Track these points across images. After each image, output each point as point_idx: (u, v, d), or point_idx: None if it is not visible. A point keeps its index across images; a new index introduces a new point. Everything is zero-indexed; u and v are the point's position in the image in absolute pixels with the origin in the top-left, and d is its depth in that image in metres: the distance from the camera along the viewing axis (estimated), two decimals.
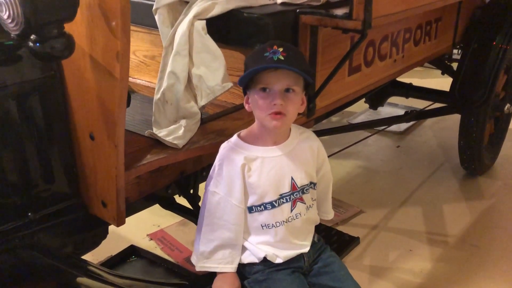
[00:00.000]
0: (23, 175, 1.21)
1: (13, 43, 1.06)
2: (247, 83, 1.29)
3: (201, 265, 1.36)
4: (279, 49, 1.24)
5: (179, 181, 1.61)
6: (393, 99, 3.51)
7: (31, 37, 0.95)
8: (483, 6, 2.89)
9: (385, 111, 3.83)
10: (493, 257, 2.38)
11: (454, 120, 3.02)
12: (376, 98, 3.26)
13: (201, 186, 1.60)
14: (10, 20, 0.91)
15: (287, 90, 1.25)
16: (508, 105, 3.12)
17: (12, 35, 0.95)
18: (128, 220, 1.39)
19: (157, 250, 2.40)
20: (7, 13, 0.90)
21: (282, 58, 1.22)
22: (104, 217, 1.32)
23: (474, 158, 3.03)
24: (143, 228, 2.54)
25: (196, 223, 1.45)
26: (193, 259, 1.39)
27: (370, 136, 3.46)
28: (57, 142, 1.25)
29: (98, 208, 1.31)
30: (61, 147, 1.26)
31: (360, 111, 4.07)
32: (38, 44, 0.96)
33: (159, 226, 2.61)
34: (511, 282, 2.23)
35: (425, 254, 2.41)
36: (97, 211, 1.33)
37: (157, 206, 1.79)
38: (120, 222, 1.29)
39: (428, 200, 2.89)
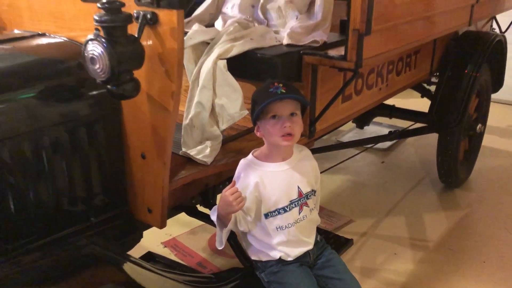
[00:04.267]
0: (87, 188, 1.51)
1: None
2: (258, 116, 1.59)
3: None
4: (279, 85, 1.56)
5: (203, 192, 1.91)
6: (377, 119, 3.84)
7: (110, 81, 1.26)
8: (456, 38, 3.24)
9: (371, 129, 4.15)
10: (467, 259, 2.70)
11: (433, 138, 3.33)
12: (362, 118, 3.60)
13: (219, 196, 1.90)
14: (99, 70, 1.23)
15: (292, 114, 1.58)
16: (480, 125, 3.48)
17: (98, 80, 1.26)
18: None
19: (172, 256, 2.68)
20: (98, 65, 1.22)
21: (284, 91, 1.54)
22: (149, 221, 1.62)
23: (451, 172, 3.36)
24: (157, 237, 2.81)
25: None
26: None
27: (358, 153, 3.80)
28: (113, 161, 1.56)
29: (144, 214, 1.61)
30: (115, 164, 1.57)
31: (348, 129, 4.41)
32: (115, 87, 1.27)
33: (171, 235, 2.89)
34: (482, 280, 2.55)
35: (408, 257, 2.72)
36: (142, 217, 1.62)
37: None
38: (162, 225, 1.59)
39: (410, 210, 3.21)
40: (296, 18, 2.17)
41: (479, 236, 2.94)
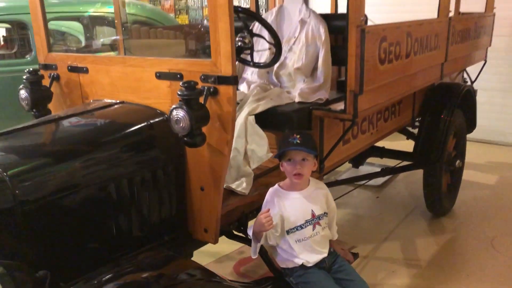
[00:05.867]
0: (162, 213, 2.04)
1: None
2: (280, 156, 2.16)
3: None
4: (297, 136, 2.11)
5: (239, 219, 2.43)
6: (370, 159, 4.43)
7: (188, 135, 1.82)
8: (432, 89, 3.85)
9: (365, 169, 4.68)
10: (453, 274, 3.20)
11: (420, 175, 3.88)
12: (358, 158, 4.17)
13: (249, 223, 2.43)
14: (182, 128, 1.79)
15: (303, 159, 2.13)
16: (458, 161, 4.04)
17: (179, 135, 1.82)
18: None
19: None
20: (181, 124, 1.78)
21: (299, 142, 2.09)
22: (205, 239, 2.13)
23: (436, 202, 3.90)
24: None
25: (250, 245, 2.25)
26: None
27: (354, 189, 4.33)
28: (179, 193, 2.09)
29: (201, 234, 2.13)
30: (181, 195, 2.10)
31: (344, 169, 4.98)
32: (190, 139, 1.83)
33: None
34: None
35: (404, 273, 3.22)
36: (200, 236, 2.14)
37: None
38: (216, 242, 2.11)
39: (404, 236, 3.72)
40: (303, 81, 2.78)
41: (463, 255, 3.46)
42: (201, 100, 1.85)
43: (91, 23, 5.44)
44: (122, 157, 1.94)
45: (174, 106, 1.80)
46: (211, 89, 1.87)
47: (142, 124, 2.05)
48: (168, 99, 2.04)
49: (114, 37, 5.53)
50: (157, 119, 2.06)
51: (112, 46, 5.43)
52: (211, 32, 1.81)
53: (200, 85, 1.87)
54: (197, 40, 3.37)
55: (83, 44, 5.68)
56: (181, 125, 1.78)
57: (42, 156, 1.76)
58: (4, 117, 4.35)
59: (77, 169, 1.77)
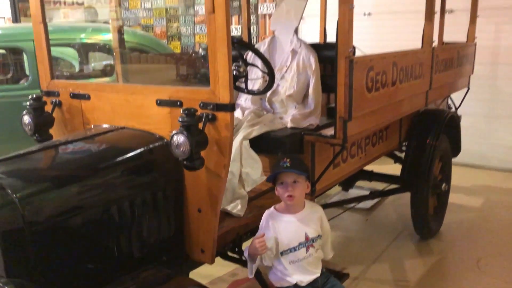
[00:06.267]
0: (161, 234, 2.12)
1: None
2: (274, 181, 2.26)
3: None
4: (287, 160, 2.22)
5: (234, 240, 2.51)
6: (359, 183, 4.55)
7: (188, 159, 1.93)
8: (418, 115, 4.01)
9: (354, 192, 4.81)
10: None
11: (408, 197, 3.97)
12: (347, 182, 4.29)
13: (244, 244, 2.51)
14: (182, 152, 1.89)
15: (294, 182, 2.23)
16: (444, 184, 4.18)
17: (179, 159, 1.92)
18: None
19: None
20: (182, 149, 1.88)
21: (289, 165, 2.20)
22: (201, 259, 2.21)
23: (423, 225, 4.01)
24: None
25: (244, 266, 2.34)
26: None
27: (344, 211, 4.44)
28: (177, 214, 2.18)
29: (198, 254, 2.21)
30: (179, 216, 2.19)
31: (334, 193, 5.09)
32: (189, 163, 1.93)
33: None
34: None
35: None
36: (196, 256, 2.22)
37: None
38: (212, 262, 2.19)
39: (393, 258, 3.82)
40: (295, 108, 2.91)
41: (450, 276, 3.56)
42: (200, 126, 1.96)
43: (84, 49, 5.59)
44: (123, 180, 2.03)
45: (175, 131, 1.91)
46: (210, 116, 1.98)
47: (143, 149, 2.15)
48: (168, 125, 2.15)
49: (104, 62, 5.69)
50: (156, 144, 2.16)
51: (105, 71, 5.58)
52: (210, 63, 1.93)
53: (199, 111, 1.98)
54: (193, 67, 3.50)
55: (77, 69, 5.82)
56: (181, 149, 1.89)
57: (48, 180, 1.84)
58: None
59: (81, 192, 1.86)
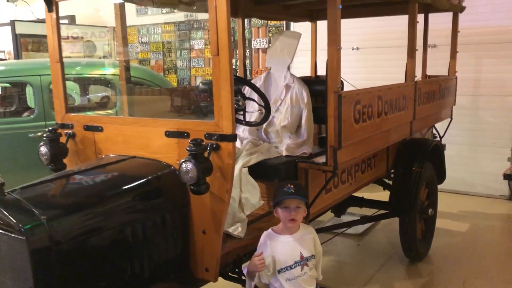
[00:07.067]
0: (169, 254, 2.32)
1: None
2: (276, 203, 2.48)
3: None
4: (291, 186, 2.45)
5: (234, 261, 2.71)
6: (350, 209, 4.75)
7: (195, 185, 2.15)
8: (404, 143, 4.23)
9: (346, 218, 5.00)
10: None
11: (397, 223, 4.16)
12: (339, 208, 4.49)
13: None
14: (190, 179, 2.11)
15: (297, 207, 2.46)
16: (431, 210, 4.38)
17: (187, 184, 2.14)
18: None
19: None
20: (190, 175, 2.11)
21: (293, 191, 2.43)
22: (206, 277, 2.40)
23: (412, 249, 4.20)
24: None
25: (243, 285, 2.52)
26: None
27: (335, 236, 4.63)
28: (183, 235, 2.38)
29: (202, 273, 2.40)
30: (184, 237, 2.39)
31: (327, 219, 5.28)
32: (196, 188, 2.15)
33: None
34: None
35: None
36: (201, 275, 2.41)
37: None
38: (215, 280, 2.38)
39: (383, 281, 3.99)
40: (289, 137, 3.16)
41: None
42: (206, 154, 2.19)
43: (86, 83, 5.85)
44: (136, 204, 2.24)
45: (183, 159, 2.14)
46: (214, 145, 2.22)
47: (153, 176, 2.37)
48: (176, 154, 2.38)
49: (100, 94, 5.95)
50: (165, 171, 2.38)
51: (104, 104, 5.83)
52: (214, 99, 2.18)
53: (204, 141, 2.22)
54: (194, 101, 3.74)
55: (76, 102, 6.06)
56: (189, 175, 2.11)
57: (69, 204, 2.05)
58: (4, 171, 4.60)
59: (98, 214, 2.07)
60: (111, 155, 2.63)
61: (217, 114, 2.19)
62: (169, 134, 2.39)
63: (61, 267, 1.87)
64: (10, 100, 6.54)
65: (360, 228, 4.96)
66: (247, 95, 3.02)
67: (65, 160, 2.77)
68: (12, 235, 1.82)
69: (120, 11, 3.42)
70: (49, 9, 2.71)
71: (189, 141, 2.15)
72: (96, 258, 2.02)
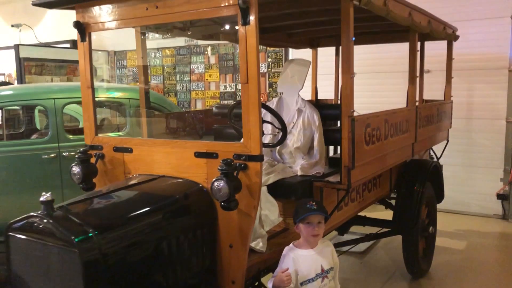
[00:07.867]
0: (199, 267, 2.48)
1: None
2: (299, 220, 2.66)
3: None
4: (313, 203, 2.65)
5: (254, 276, 2.87)
6: (353, 228, 4.94)
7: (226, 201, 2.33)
8: (406, 165, 4.47)
9: (349, 237, 5.18)
10: None
11: (399, 242, 4.38)
12: (343, 227, 4.67)
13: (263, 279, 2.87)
14: (221, 196, 2.29)
15: (319, 222, 2.64)
16: (431, 228, 4.60)
17: (219, 201, 2.32)
18: None
19: None
20: (222, 192, 2.29)
21: (316, 208, 2.62)
22: None
23: (415, 265, 4.40)
24: None
25: None
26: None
27: (340, 255, 4.78)
28: (211, 249, 2.55)
29: (229, 285, 2.56)
30: (212, 251, 2.56)
31: (330, 238, 5.44)
32: (226, 204, 2.33)
33: None
34: None
35: None
36: (228, 287, 2.57)
37: None
38: None
39: None
40: (302, 158, 3.36)
41: None
42: (235, 173, 2.38)
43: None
44: (170, 219, 2.41)
45: (215, 178, 2.32)
46: (242, 165, 2.41)
47: (183, 193, 2.55)
48: (204, 173, 2.56)
49: (103, 117, 6.12)
50: (194, 189, 2.56)
51: (113, 127, 5.99)
52: (243, 122, 2.38)
53: (233, 162, 2.41)
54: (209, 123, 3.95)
55: (81, 124, 6.22)
56: (221, 193, 2.30)
57: (112, 219, 2.22)
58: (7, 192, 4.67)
59: (139, 229, 2.23)
60: (140, 174, 2.80)
61: (246, 136, 2.39)
62: (198, 155, 2.58)
63: (107, 278, 2.02)
64: (11, 123, 6.69)
65: (363, 246, 5.13)
66: (264, 119, 3.23)
67: (95, 180, 2.93)
68: (64, 247, 1.98)
69: (142, 43, 3.64)
70: (82, 39, 2.91)
71: (221, 161, 2.33)
72: (137, 271, 2.17)
